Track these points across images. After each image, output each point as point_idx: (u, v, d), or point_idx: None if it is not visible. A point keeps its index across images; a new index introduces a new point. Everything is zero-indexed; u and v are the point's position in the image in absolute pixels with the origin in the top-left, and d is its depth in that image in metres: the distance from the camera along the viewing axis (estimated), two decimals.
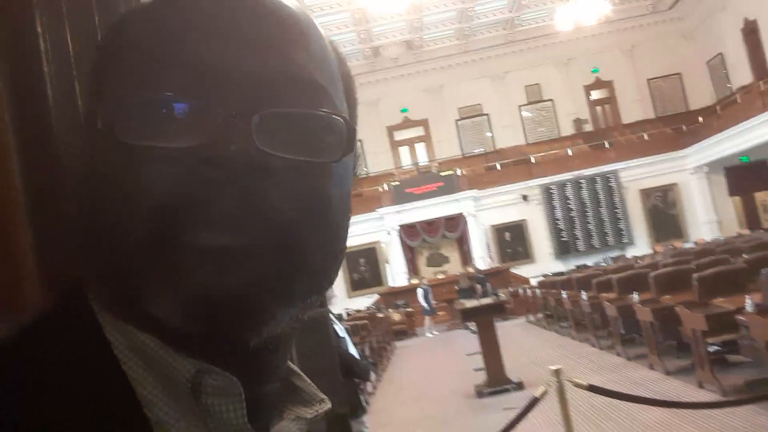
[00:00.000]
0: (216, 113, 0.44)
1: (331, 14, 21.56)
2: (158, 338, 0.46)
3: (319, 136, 0.48)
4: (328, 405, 0.56)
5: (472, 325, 10.56)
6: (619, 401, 4.87)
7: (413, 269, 23.67)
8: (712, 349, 6.88)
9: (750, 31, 22.56)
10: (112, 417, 0.43)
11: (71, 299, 0.49)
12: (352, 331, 6.82)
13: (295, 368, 0.56)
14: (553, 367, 4.57)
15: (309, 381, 0.56)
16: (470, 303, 10.44)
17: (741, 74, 23.33)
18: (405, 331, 19.22)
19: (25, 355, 0.44)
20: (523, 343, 13.19)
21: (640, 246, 23.13)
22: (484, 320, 9.13)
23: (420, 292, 19.29)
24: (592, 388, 4.59)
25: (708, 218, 23.22)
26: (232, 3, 0.48)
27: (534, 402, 4.53)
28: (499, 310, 9.95)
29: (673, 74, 26.77)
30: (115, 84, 0.47)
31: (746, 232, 20.22)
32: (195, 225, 0.43)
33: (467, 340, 12.77)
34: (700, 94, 25.99)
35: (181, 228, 0.43)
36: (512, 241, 23.99)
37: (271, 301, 0.45)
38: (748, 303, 5.63)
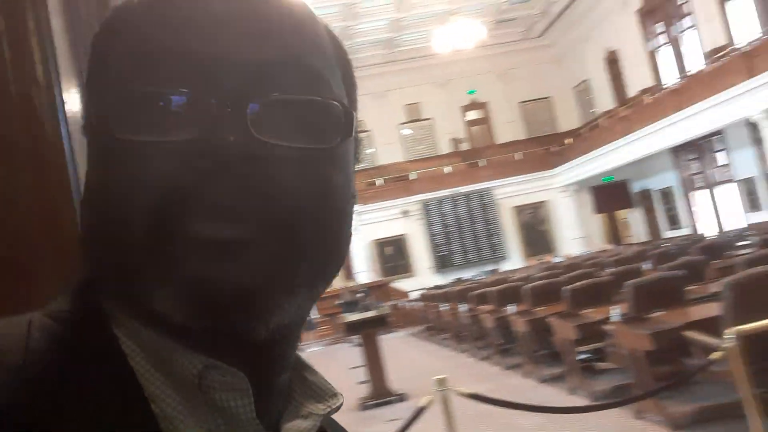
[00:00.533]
0: (210, 104, 0.43)
1: None
2: (164, 334, 0.45)
3: (317, 122, 0.47)
4: (341, 400, 0.54)
5: (356, 339, 10.62)
6: (498, 408, 5.05)
7: None
8: (581, 357, 7.28)
9: (612, 60, 24.19)
10: (119, 413, 0.42)
11: (80, 294, 0.48)
12: None
13: (307, 361, 0.55)
14: (437, 377, 4.68)
15: (321, 375, 0.55)
16: (353, 316, 10.51)
17: (604, 100, 24.96)
18: None
19: (31, 349, 0.43)
20: (406, 355, 13.39)
21: (514, 260, 24.13)
22: (367, 333, 9.20)
23: None
24: (474, 396, 4.74)
25: (576, 234, 24.56)
26: None
27: (418, 412, 4.61)
28: (381, 324, 10.07)
29: (544, 98, 28.21)
30: (108, 79, 0.47)
31: (610, 247, 21.59)
32: (193, 217, 0.42)
33: (351, 353, 12.82)
34: (568, 118, 27.56)
35: (180, 221, 0.43)
36: (393, 255, 24.38)
37: (275, 290, 0.45)
38: (614, 313, 5.99)
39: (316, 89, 0.47)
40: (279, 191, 0.44)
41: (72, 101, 0.96)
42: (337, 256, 0.50)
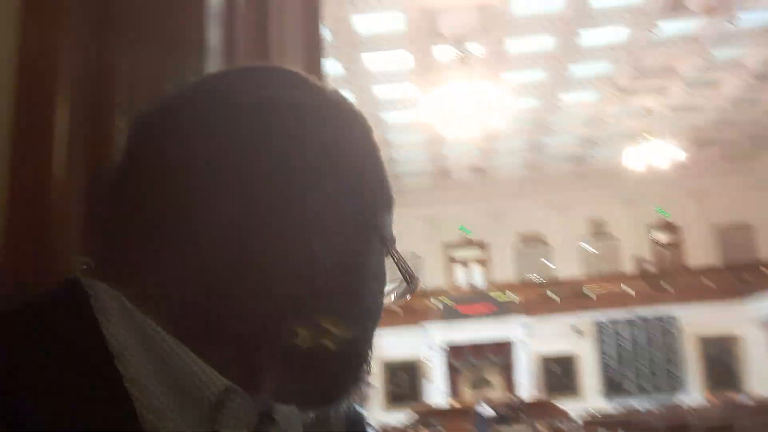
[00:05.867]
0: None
1: (406, 134, 21.76)
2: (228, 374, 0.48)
3: None
4: None
5: None
6: None
7: (454, 390, 23.07)
8: None
9: None
10: (96, 414, 0.43)
11: (67, 292, 0.48)
12: None
13: None
14: None
15: None
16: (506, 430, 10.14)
17: None
18: None
19: (10, 338, 0.45)
20: None
21: (692, 392, 22.12)
22: None
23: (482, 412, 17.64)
24: None
25: None
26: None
27: None
28: None
29: (742, 224, 26.36)
30: (383, 204, 0.59)
31: None
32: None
33: None
34: None
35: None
36: (560, 373, 23.29)
37: (352, 384, 0.55)
38: None
39: None
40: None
41: None
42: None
